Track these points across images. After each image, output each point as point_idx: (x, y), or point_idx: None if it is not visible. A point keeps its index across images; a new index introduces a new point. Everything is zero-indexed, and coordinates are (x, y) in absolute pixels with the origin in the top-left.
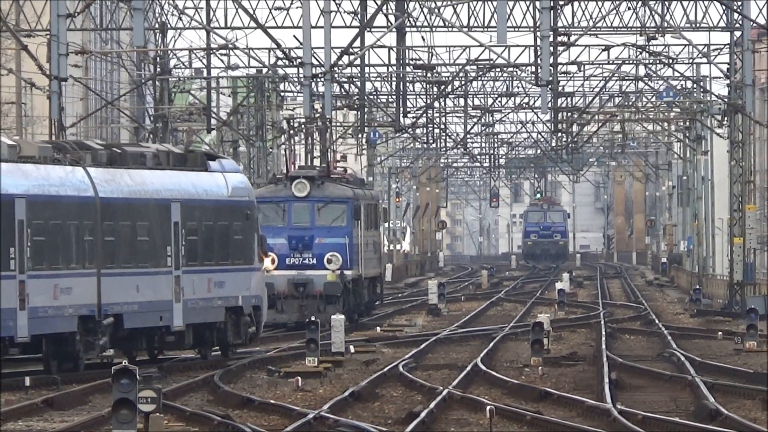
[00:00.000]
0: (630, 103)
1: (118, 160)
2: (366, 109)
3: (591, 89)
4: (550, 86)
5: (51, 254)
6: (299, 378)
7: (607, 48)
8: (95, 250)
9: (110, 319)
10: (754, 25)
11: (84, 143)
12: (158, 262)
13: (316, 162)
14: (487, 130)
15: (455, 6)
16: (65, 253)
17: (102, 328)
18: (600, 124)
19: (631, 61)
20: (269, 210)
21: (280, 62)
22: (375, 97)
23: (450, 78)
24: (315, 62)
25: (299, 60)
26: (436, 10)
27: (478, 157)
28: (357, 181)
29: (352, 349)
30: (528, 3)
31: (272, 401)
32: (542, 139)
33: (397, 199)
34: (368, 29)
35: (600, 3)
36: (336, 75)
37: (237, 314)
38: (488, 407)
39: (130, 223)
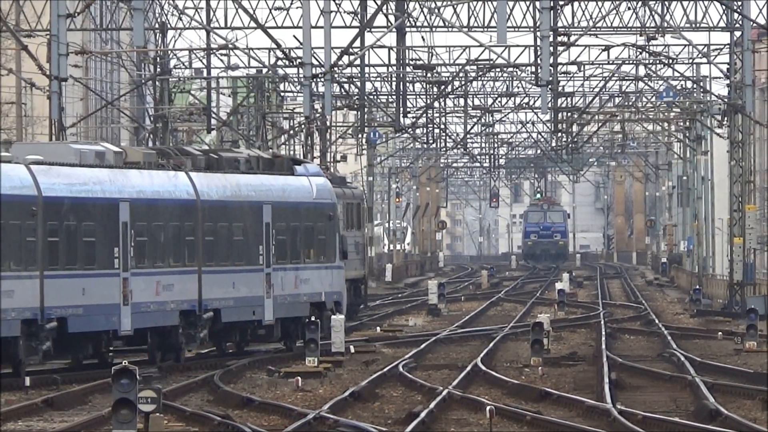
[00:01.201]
0: (630, 103)
1: (215, 165)
2: (366, 109)
3: (591, 89)
4: (550, 86)
5: (153, 254)
6: (299, 378)
7: (607, 48)
8: (197, 250)
9: (210, 314)
10: (754, 25)
11: (184, 149)
12: (251, 261)
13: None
14: (487, 130)
15: (455, 6)
16: (168, 252)
17: (202, 322)
18: (600, 124)
19: (631, 61)
20: None
21: (280, 62)
22: (375, 97)
23: (450, 78)
24: (315, 62)
25: (299, 60)
26: (436, 10)
27: (478, 157)
28: (337, 179)
29: (352, 349)
30: (528, 3)
31: (272, 401)
32: (542, 139)
33: (397, 199)
34: (368, 29)
35: (600, 3)
36: (336, 75)
37: (320, 309)
38: (488, 407)
39: (227, 224)
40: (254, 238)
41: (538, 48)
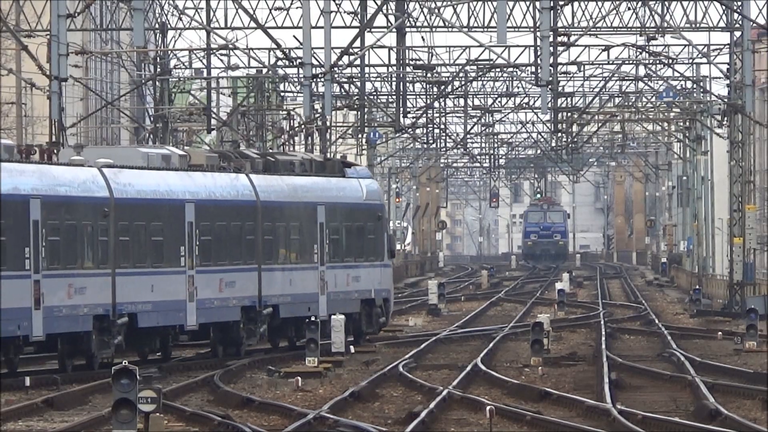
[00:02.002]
0: (630, 103)
1: (272, 167)
2: (366, 109)
3: (591, 89)
4: (550, 86)
5: (217, 252)
6: (299, 378)
7: (607, 48)
8: (256, 249)
9: (269, 310)
10: (754, 25)
11: (243, 152)
12: (307, 259)
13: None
14: (487, 130)
15: (455, 6)
16: (230, 251)
17: (262, 318)
18: (600, 124)
19: (631, 61)
20: None
21: (280, 62)
22: (375, 97)
23: (450, 78)
24: (315, 62)
25: (299, 60)
26: (436, 10)
27: (478, 157)
28: None
29: (352, 349)
30: (528, 3)
31: (272, 401)
32: (542, 139)
33: (397, 199)
34: (368, 29)
35: (600, 3)
36: (336, 75)
37: (370, 306)
38: (488, 407)
39: (285, 224)
40: (309, 238)
41: (538, 48)
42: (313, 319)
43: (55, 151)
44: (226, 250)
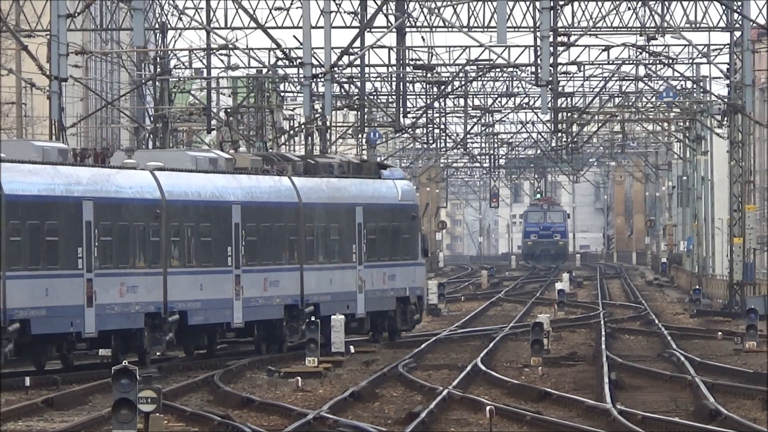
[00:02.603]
0: (630, 103)
1: (312, 169)
2: (366, 109)
3: (591, 89)
4: (550, 86)
5: (261, 252)
6: (299, 378)
7: (607, 48)
8: (299, 249)
9: (311, 308)
10: (754, 25)
11: (285, 155)
12: (346, 258)
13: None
14: (487, 130)
15: (455, 6)
16: (274, 251)
17: (304, 316)
18: (600, 124)
19: (631, 61)
20: None
21: (280, 62)
22: (375, 97)
23: (450, 78)
24: (315, 62)
25: (299, 60)
26: (436, 10)
27: (478, 157)
28: None
29: (352, 349)
30: (528, 3)
31: (272, 401)
32: (542, 139)
33: None
34: (368, 29)
35: (600, 3)
36: (336, 75)
37: (404, 303)
38: (488, 407)
39: (325, 225)
40: (348, 238)
41: (538, 48)
42: (313, 319)
43: (109, 154)
44: (270, 250)
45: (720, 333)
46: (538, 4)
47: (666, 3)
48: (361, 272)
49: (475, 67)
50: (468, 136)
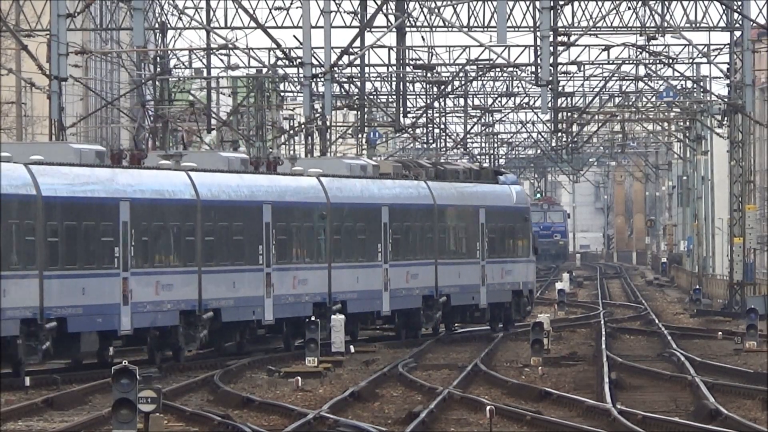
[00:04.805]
0: (630, 103)
1: (440, 175)
2: (366, 109)
3: (591, 89)
4: (550, 86)
5: (405, 249)
6: (299, 378)
7: (607, 48)
8: (433, 246)
9: (443, 298)
10: (754, 25)
11: (419, 162)
12: (471, 255)
13: None
14: (487, 130)
15: (455, 6)
16: (413, 249)
17: (437, 305)
18: (600, 124)
19: (631, 61)
20: None
21: (280, 62)
22: (375, 97)
23: (450, 78)
24: (315, 62)
25: (299, 60)
26: (436, 10)
27: (478, 157)
28: None
29: (352, 349)
30: (528, 3)
31: (272, 401)
32: (542, 139)
33: None
34: (368, 29)
35: (600, 3)
36: (336, 75)
37: (518, 296)
38: (488, 407)
39: (455, 225)
40: (473, 236)
41: (538, 48)
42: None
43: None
44: (410, 247)
45: (720, 333)
46: (538, 3)
47: (666, 3)
48: (483, 268)
49: (475, 67)
50: (468, 135)
